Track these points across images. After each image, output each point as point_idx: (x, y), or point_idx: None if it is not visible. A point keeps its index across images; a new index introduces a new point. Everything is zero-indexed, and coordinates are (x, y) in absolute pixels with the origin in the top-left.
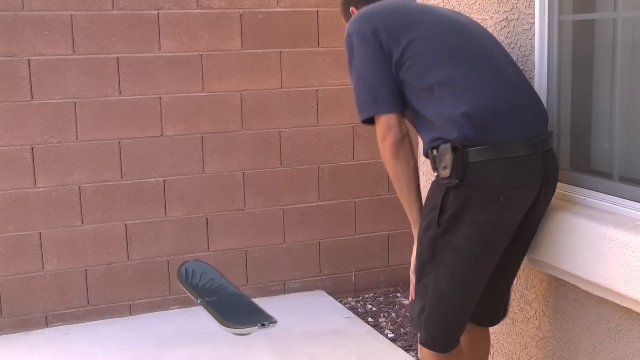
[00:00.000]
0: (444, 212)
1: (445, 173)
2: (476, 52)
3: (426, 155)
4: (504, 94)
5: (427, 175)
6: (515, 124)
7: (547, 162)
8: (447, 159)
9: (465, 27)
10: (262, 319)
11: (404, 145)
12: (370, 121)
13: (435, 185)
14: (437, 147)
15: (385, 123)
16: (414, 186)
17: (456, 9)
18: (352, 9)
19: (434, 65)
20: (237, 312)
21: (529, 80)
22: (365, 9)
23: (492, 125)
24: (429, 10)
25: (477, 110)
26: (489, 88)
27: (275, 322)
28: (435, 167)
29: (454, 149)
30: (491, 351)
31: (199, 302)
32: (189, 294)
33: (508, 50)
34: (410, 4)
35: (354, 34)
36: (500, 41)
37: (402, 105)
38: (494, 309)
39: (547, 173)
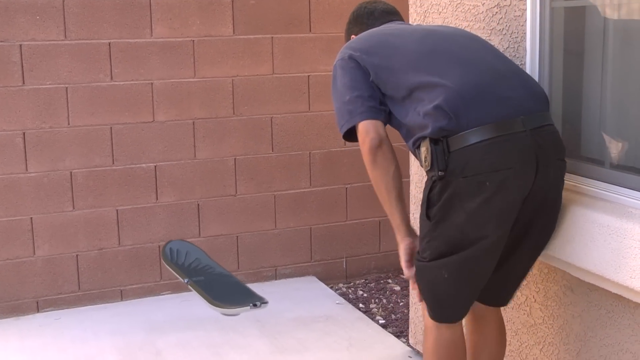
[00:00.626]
0: (433, 204)
1: (427, 166)
2: (446, 51)
3: (415, 156)
4: (474, 79)
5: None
6: (492, 105)
7: (540, 139)
8: (426, 152)
9: (437, 33)
10: (253, 299)
11: (381, 150)
12: (351, 138)
13: (426, 181)
14: (418, 146)
15: (363, 129)
16: (394, 192)
17: None
18: (352, 36)
19: (407, 74)
20: (227, 292)
21: (521, 66)
22: (348, 43)
23: (465, 110)
24: (405, 28)
25: (448, 100)
26: (458, 77)
27: (266, 302)
28: (421, 164)
29: (434, 142)
30: (483, 337)
31: (186, 281)
32: (175, 274)
33: (499, 37)
34: (392, 27)
35: (337, 64)
36: (491, 28)
37: (381, 114)
38: (495, 290)
39: (541, 150)
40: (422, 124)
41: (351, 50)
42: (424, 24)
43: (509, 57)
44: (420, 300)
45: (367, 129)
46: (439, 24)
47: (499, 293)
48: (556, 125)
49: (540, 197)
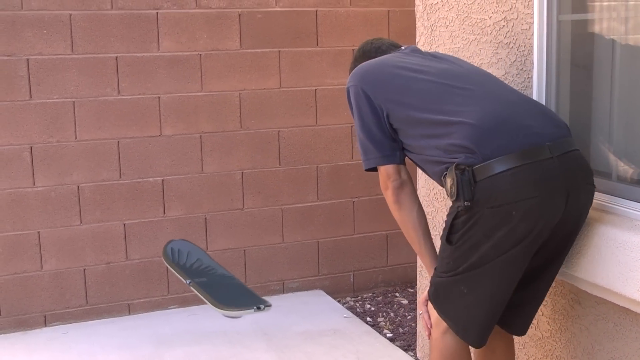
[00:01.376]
0: (456, 231)
1: (453, 196)
2: (461, 89)
3: (441, 184)
4: (493, 111)
5: (425, 175)
6: (515, 133)
7: (569, 164)
8: (452, 182)
9: (448, 71)
10: (257, 302)
11: (404, 191)
12: (374, 169)
13: (451, 206)
14: (444, 176)
15: (384, 173)
16: (420, 230)
17: (454, 10)
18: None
19: (423, 112)
20: (230, 294)
21: (528, 80)
22: (362, 65)
23: (488, 141)
24: (415, 61)
25: (469, 136)
26: (476, 112)
27: (269, 305)
28: (446, 193)
29: (461, 171)
30: None
31: (188, 282)
32: (177, 274)
33: (507, 51)
34: (401, 58)
35: (351, 89)
36: (498, 41)
37: (397, 157)
38: (515, 312)
39: (570, 175)
40: (443, 159)
41: (363, 83)
42: (431, 50)
43: (517, 70)
44: (429, 336)
45: (387, 172)
46: (447, 37)
47: (518, 315)
48: None
49: (573, 222)
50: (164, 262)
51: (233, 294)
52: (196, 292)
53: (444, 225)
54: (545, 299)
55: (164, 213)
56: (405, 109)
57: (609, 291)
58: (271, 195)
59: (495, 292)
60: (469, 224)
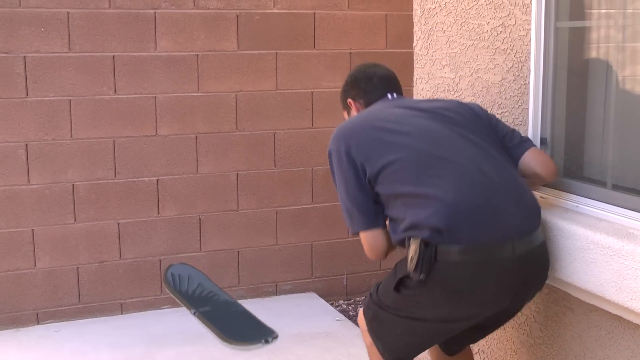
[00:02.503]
0: (405, 287)
1: (411, 267)
2: (442, 159)
3: (398, 242)
4: (469, 193)
5: None
6: (484, 226)
7: (527, 264)
8: (414, 253)
9: (433, 132)
10: (265, 334)
11: (384, 256)
12: None
13: (404, 261)
14: (408, 239)
15: (365, 240)
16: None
17: (452, 15)
18: (349, 100)
19: (403, 183)
20: (236, 324)
21: (524, 86)
22: (343, 126)
23: (457, 227)
24: (402, 118)
25: (441, 216)
26: (452, 190)
27: (277, 336)
28: (407, 259)
29: (425, 244)
30: (482, 356)
31: (193, 313)
32: (181, 303)
33: (504, 57)
34: (388, 114)
35: (332, 152)
36: (496, 47)
37: (379, 219)
38: (449, 340)
39: (526, 275)
40: (413, 228)
41: (346, 145)
42: (428, 54)
43: (514, 77)
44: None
45: (368, 240)
46: (444, 42)
47: (455, 343)
48: (558, 146)
49: (516, 309)
50: (167, 290)
51: (239, 324)
52: (202, 323)
53: (393, 268)
54: (538, 305)
55: (158, 213)
56: (384, 177)
57: (602, 299)
58: (266, 197)
59: (428, 342)
60: (418, 291)
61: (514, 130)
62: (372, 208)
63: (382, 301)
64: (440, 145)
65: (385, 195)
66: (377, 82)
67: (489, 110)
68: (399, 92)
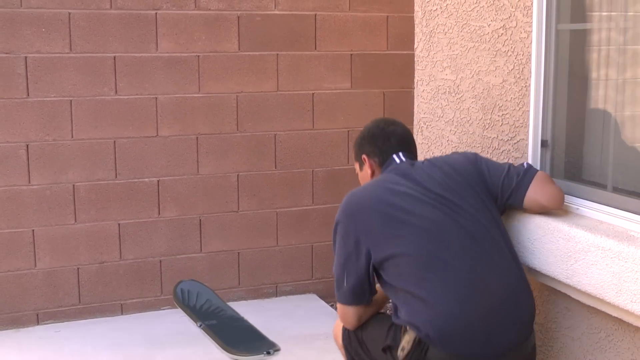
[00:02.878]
0: (390, 354)
1: (402, 356)
2: (448, 266)
3: (397, 323)
4: (470, 312)
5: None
6: (480, 341)
7: None
8: (408, 344)
9: (445, 231)
10: (267, 347)
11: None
12: None
13: (389, 327)
14: (405, 327)
15: (343, 312)
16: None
17: (454, 17)
18: (363, 156)
19: (406, 278)
20: (239, 337)
21: (526, 88)
22: (354, 197)
23: (448, 338)
24: (413, 211)
25: (436, 327)
26: (454, 305)
27: (279, 349)
28: (400, 343)
29: (419, 341)
30: None
31: (198, 325)
32: (188, 317)
33: (505, 59)
34: (398, 192)
35: (340, 226)
36: (497, 49)
37: (365, 296)
38: None
39: None
40: (411, 324)
41: (355, 224)
42: (429, 56)
43: (515, 79)
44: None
45: (346, 313)
46: (445, 44)
47: None
48: (559, 148)
49: None
50: (175, 304)
51: (242, 337)
52: (207, 335)
53: (389, 322)
54: (538, 307)
55: (159, 214)
56: (389, 267)
57: (602, 301)
58: (266, 198)
59: None
60: None
61: (508, 168)
62: (363, 289)
63: (365, 343)
64: (444, 246)
65: (389, 283)
66: (395, 143)
67: (489, 113)
68: (414, 153)
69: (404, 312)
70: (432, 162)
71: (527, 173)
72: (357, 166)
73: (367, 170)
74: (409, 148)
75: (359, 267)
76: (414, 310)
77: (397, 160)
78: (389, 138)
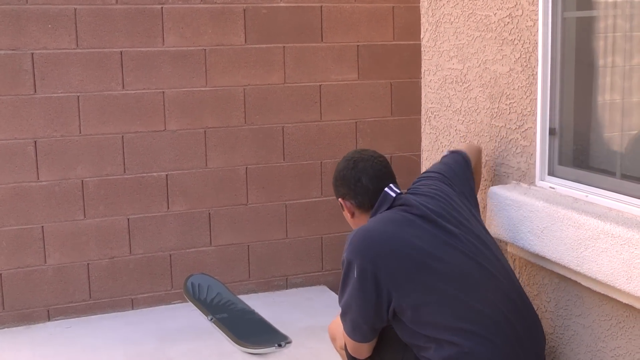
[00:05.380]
0: None
1: None
2: (478, 314)
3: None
4: (503, 353)
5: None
6: None
7: None
8: None
9: (469, 274)
10: (278, 339)
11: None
12: None
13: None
14: None
15: (355, 348)
16: None
17: (459, 6)
18: (340, 200)
19: (434, 324)
20: (251, 330)
21: (533, 76)
22: (370, 237)
23: None
24: (440, 253)
25: None
26: (478, 344)
27: (290, 341)
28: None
29: None
30: None
31: (209, 319)
32: (198, 310)
33: (511, 47)
34: (417, 235)
35: (355, 266)
36: (503, 38)
37: (374, 335)
38: None
39: None
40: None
41: (374, 267)
42: (436, 46)
43: (522, 67)
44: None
45: (357, 349)
46: (452, 33)
47: None
48: (567, 136)
49: None
50: (186, 297)
51: (254, 330)
52: (218, 328)
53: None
54: (549, 295)
55: (168, 208)
56: (414, 315)
57: (613, 288)
58: (275, 191)
59: None
60: None
61: (449, 162)
62: (374, 328)
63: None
64: (471, 291)
65: (409, 329)
66: (366, 182)
67: (497, 102)
68: (394, 181)
69: (433, 352)
70: (426, 195)
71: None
72: (339, 204)
73: (346, 212)
74: (385, 181)
75: (377, 310)
76: (446, 354)
77: (392, 194)
78: (360, 179)
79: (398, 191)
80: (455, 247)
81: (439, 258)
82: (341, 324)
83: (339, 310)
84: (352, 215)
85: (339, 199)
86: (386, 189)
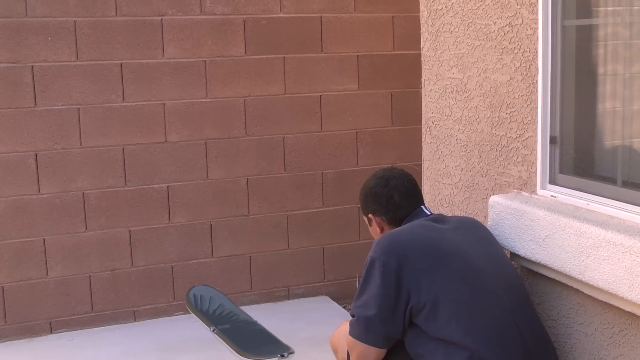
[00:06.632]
0: None
1: None
2: (490, 319)
3: None
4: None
5: (430, 181)
6: None
7: None
8: None
9: (487, 283)
10: (281, 350)
11: None
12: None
13: None
14: None
15: (363, 354)
16: None
17: (459, 15)
18: (370, 215)
19: (448, 325)
20: (253, 341)
21: (533, 85)
22: (396, 237)
23: None
24: (455, 250)
25: None
26: (495, 355)
27: (292, 352)
28: None
29: None
30: None
31: (212, 330)
32: (201, 322)
33: (511, 56)
34: (440, 238)
35: (378, 262)
36: (503, 47)
37: (389, 343)
38: None
39: None
40: None
41: (398, 263)
42: (436, 56)
43: (522, 76)
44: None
45: (366, 354)
46: (452, 42)
47: None
48: (568, 144)
49: None
50: (188, 309)
51: (256, 340)
52: (220, 340)
53: None
54: (550, 303)
55: (169, 219)
56: (430, 314)
57: (615, 296)
58: (276, 202)
59: None
60: None
61: None
62: (390, 331)
63: None
64: (487, 297)
65: (422, 335)
66: (398, 199)
67: (497, 111)
68: (421, 200)
69: (441, 358)
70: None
71: None
72: (365, 220)
73: (375, 227)
74: (416, 198)
75: (397, 309)
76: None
77: (427, 212)
78: (392, 196)
79: (430, 212)
80: (475, 255)
81: (460, 259)
82: (343, 337)
83: (341, 320)
84: (382, 230)
85: (369, 215)
86: (422, 206)
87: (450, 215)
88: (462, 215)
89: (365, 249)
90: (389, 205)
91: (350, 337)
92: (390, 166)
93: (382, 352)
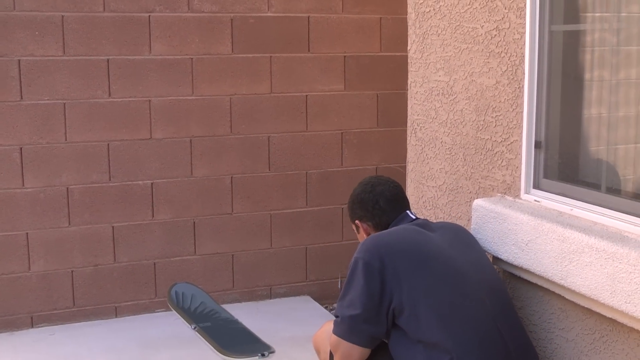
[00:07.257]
0: None
1: None
2: (471, 320)
3: None
4: None
5: (415, 183)
6: None
7: None
8: None
9: (470, 287)
10: (261, 349)
11: None
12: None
13: None
14: None
15: (348, 353)
16: None
17: (447, 18)
18: (357, 222)
19: (429, 327)
20: (234, 340)
21: (519, 89)
22: (380, 238)
23: None
24: (438, 254)
25: None
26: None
27: (273, 351)
28: None
29: None
30: None
31: (193, 327)
32: (182, 319)
33: (498, 60)
34: (425, 241)
35: (362, 262)
36: (490, 50)
37: (373, 343)
38: None
39: None
40: None
41: (381, 264)
42: (422, 58)
43: (509, 80)
44: None
45: (351, 354)
46: (439, 45)
47: None
48: (553, 149)
49: None
50: (169, 306)
51: (237, 339)
52: (201, 337)
53: None
54: (532, 308)
55: (153, 216)
56: (411, 315)
57: (597, 302)
58: (260, 201)
59: None
60: None
61: None
62: (374, 331)
63: None
64: (469, 299)
65: (404, 336)
66: (384, 204)
67: (483, 115)
68: (407, 206)
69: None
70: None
71: None
72: (354, 227)
73: (363, 234)
74: (401, 203)
75: (380, 308)
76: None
77: (412, 216)
78: (378, 201)
79: (415, 217)
80: (459, 260)
81: (443, 262)
82: (326, 337)
83: (323, 320)
84: (368, 236)
85: (356, 221)
86: (407, 211)
87: (434, 218)
88: (445, 218)
89: (348, 250)
90: (374, 210)
91: (334, 336)
92: (377, 175)
93: (366, 351)
